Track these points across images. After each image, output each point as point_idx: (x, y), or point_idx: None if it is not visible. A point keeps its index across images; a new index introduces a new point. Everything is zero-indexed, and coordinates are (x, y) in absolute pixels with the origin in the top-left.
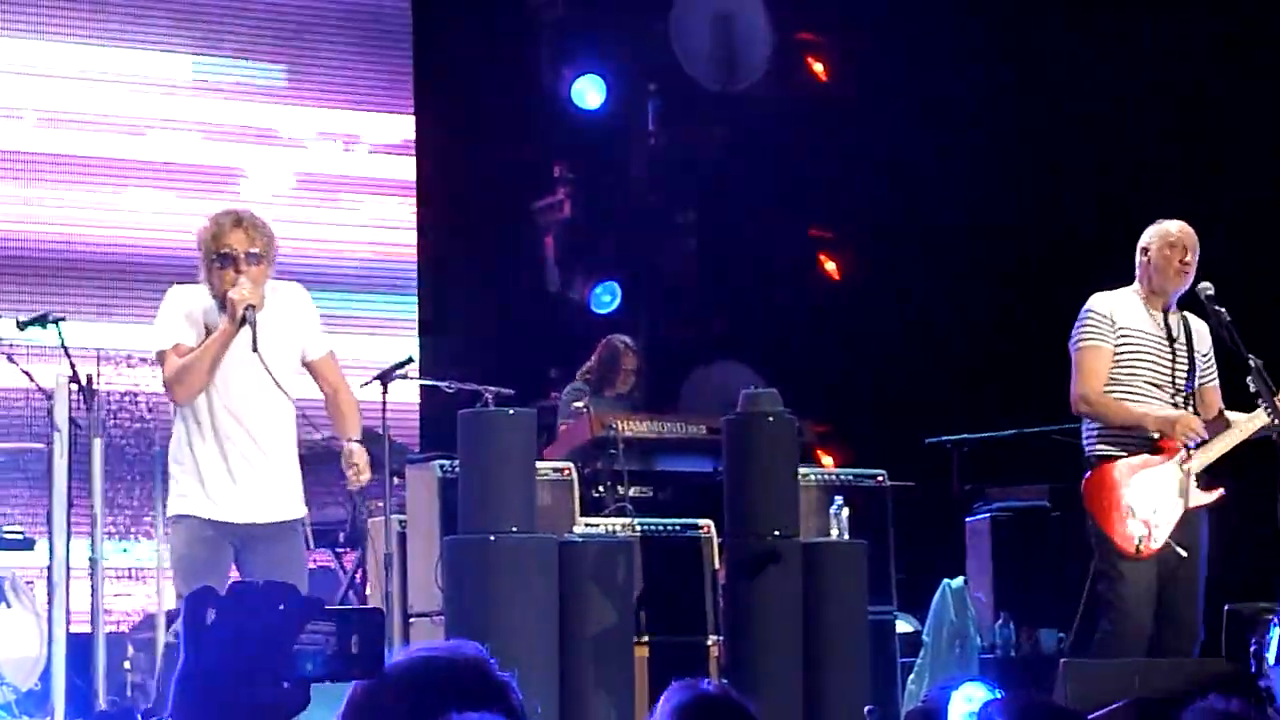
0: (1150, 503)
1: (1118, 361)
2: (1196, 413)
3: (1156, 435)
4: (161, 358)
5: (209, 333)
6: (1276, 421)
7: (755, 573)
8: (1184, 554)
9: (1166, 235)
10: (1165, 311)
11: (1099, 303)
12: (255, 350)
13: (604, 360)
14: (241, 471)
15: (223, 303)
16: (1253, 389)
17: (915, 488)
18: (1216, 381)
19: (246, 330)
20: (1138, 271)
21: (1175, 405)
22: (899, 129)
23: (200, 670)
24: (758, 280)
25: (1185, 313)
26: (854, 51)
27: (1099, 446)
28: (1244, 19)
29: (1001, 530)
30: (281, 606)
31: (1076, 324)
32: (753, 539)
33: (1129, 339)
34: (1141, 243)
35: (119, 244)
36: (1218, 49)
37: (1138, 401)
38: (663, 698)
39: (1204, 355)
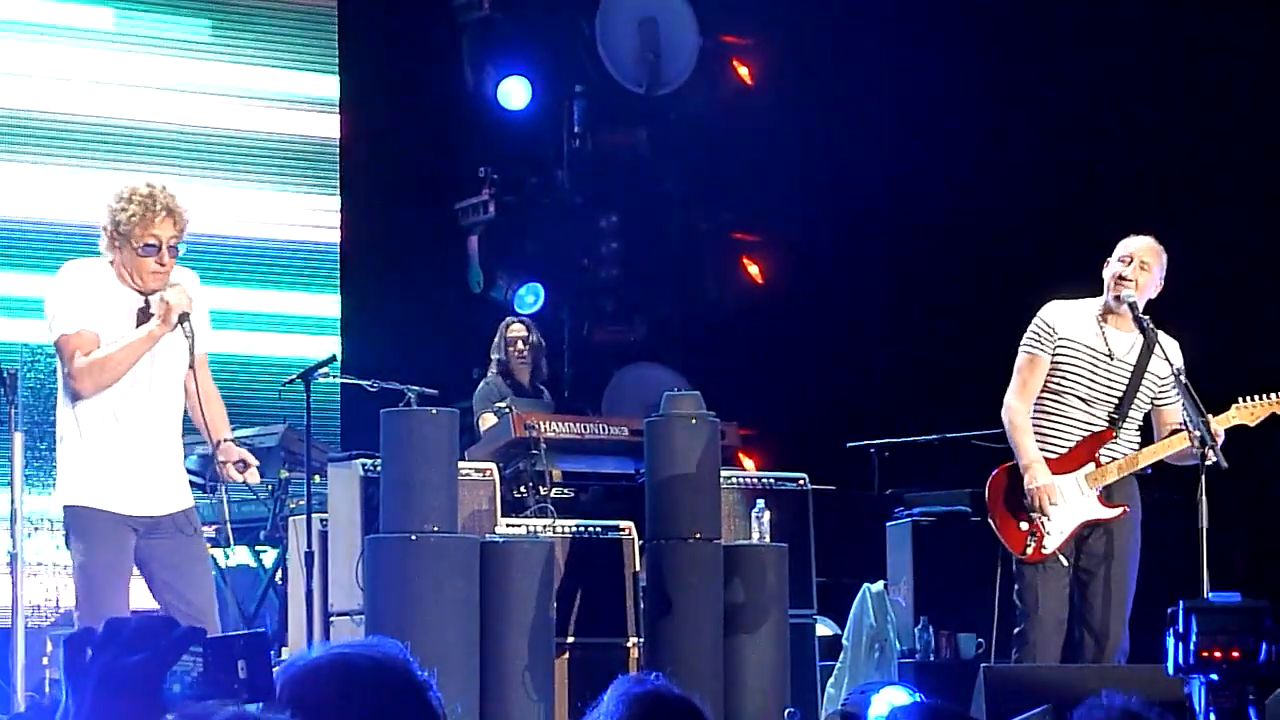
0: (1045, 509)
1: (1053, 371)
2: (1123, 426)
3: (1075, 440)
4: (64, 342)
5: (108, 315)
6: (1197, 434)
7: (676, 575)
8: (1065, 563)
9: (1120, 248)
10: (1138, 325)
11: (1048, 311)
12: (191, 367)
13: (497, 344)
14: (148, 462)
15: (139, 291)
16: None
17: (836, 491)
18: (1178, 405)
19: (178, 338)
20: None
21: (1109, 421)
22: (823, 133)
23: (77, 710)
24: (681, 283)
25: (1152, 329)
26: (779, 55)
27: None
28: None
29: (922, 535)
30: (157, 639)
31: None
32: (674, 541)
33: (1066, 350)
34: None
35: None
36: (1141, 40)
37: (1066, 416)
38: (611, 687)
39: (1161, 377)
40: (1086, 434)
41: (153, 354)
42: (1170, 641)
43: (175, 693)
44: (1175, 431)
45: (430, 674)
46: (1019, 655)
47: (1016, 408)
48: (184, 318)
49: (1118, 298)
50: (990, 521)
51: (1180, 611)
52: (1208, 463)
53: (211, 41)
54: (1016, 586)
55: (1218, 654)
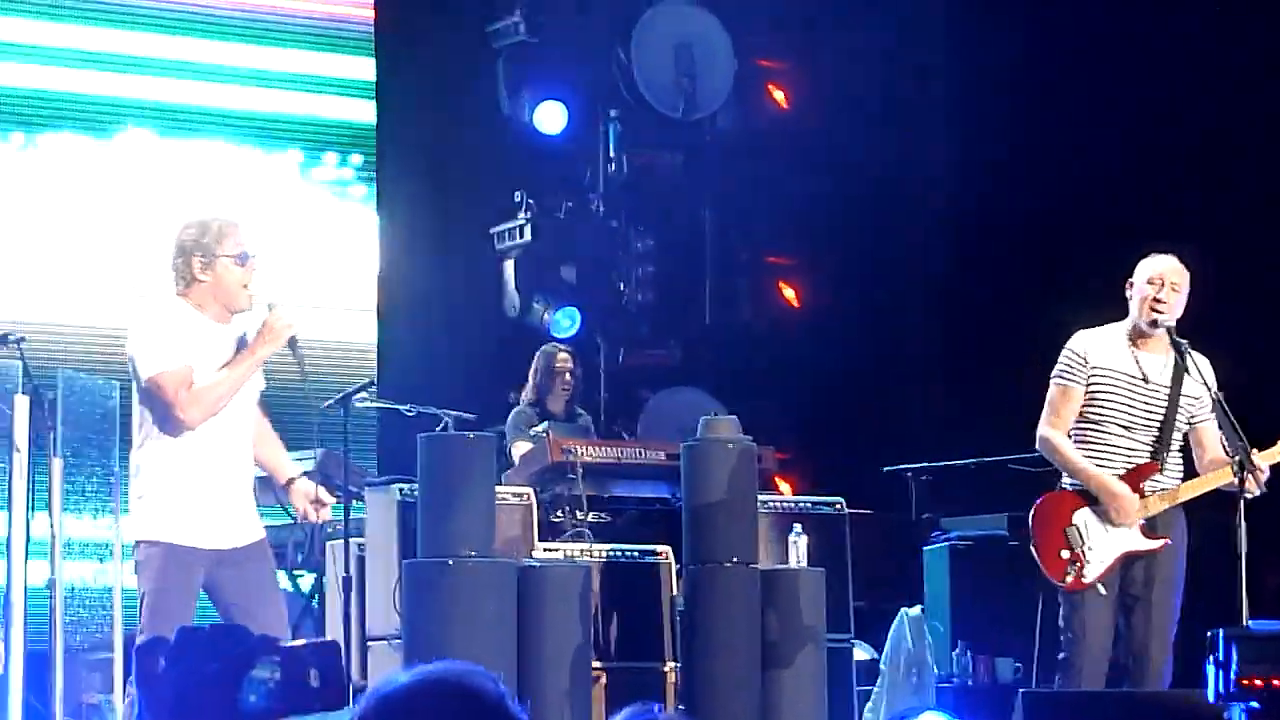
0: (1087, 539)
1: (1090, 401)
2: (1168, 452)
3: (1123, 471)
4: (161, 379)
5: (198, 348)
6: (1238, 459)
7: (713, 599)
8: (1103, 592)
9: (1145, 270)
10: (1175, 348)
11: (1077, 341)
12: (304, 379)
13: (540, 370)
14: (227, 496)
15: (222, 320)
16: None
17: (874, 516)
18: (1212, 422)
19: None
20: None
21: (1150, 447)
22: (859, 157)
23: (165, 714)
24: (717, 306)
25: (1188, 350)
26: (815, 80)
27: (1067, 477)
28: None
29: (959, 559)
30: (231, 648)
31: (1059, 359)
32: (711, 566)
33: (1101, 379)
34: (1132, 278)
35: None
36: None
37: (1108, 444)
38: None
39: (1194, 397)
40: (1130, 462)
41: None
42: (1210, 669)
43: (251, 703)
44: (1215, 461)
45: (525, 707)
46: (1063, 682)
47: (1054, 435)
48: (293, 341)
49: (1154, 323)
50: (1032, 549)
51: (1220, 639)
52: (1247, 494)
53: (246, 65)
54: (1063, 613)
55: (1259, 682)
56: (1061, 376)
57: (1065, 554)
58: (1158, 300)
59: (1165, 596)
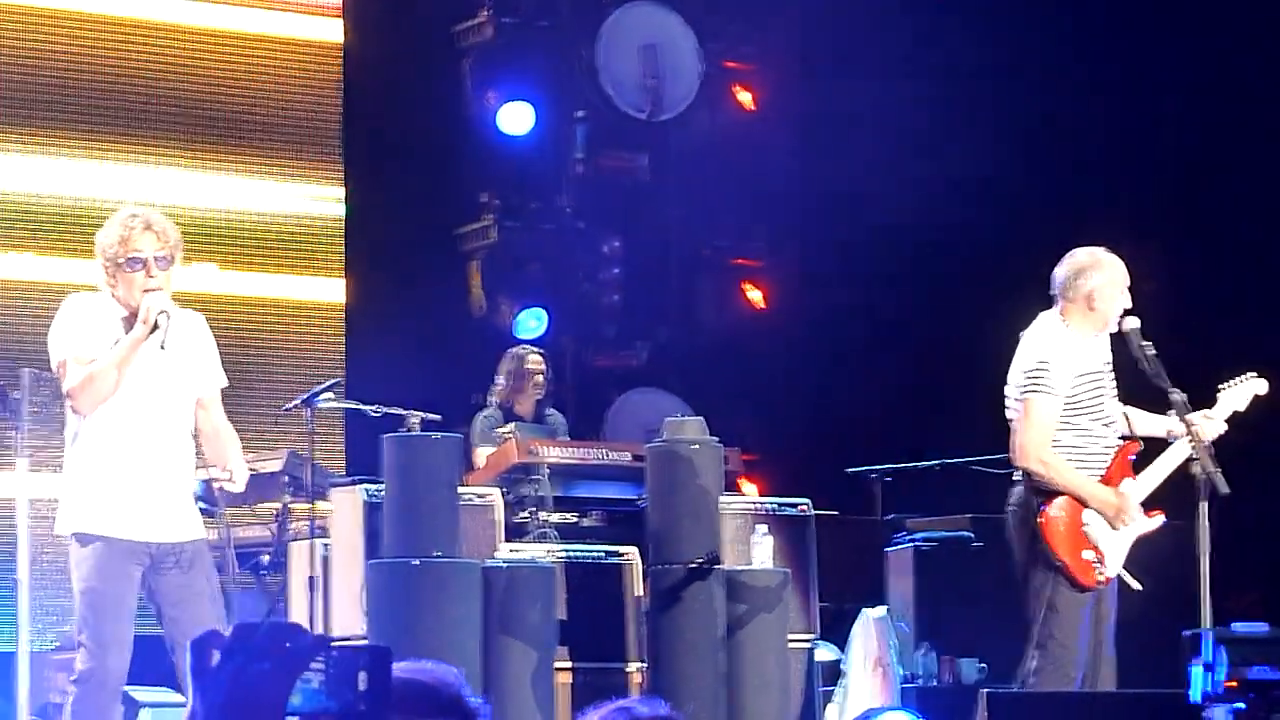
0: (1104, 532)
1: (1076, 406)
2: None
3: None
4: (61, 367)
5: (110, 341)
6: (1197, 455)
7: (678, 600)
8: (1137, 586)
9: (1115, 279)
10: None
11: (1044, 350)
12: (163, 347)
13: (510, 373)
14: (158, 490)
15: (131, 310)
16: (1171, 432)
17: (838, 517)
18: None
19: (180, 364)
20: (1068, 305)
21: (1119, 429)
22: (824, 158)
23: (205, 715)
24: (683, 308)
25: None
26: (780, 81)
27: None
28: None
29: (924, 560)
30: (285, 646)
31: (1025, 372)
32: (676, 567)
33: (1082, 384)
34: (1082, 278)
35: None
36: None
37: (1104, 444)
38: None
39: (1108, 363)
40: (1114, 449)
41: (153, 379)
42: (1197, 670)
43: (296, 704)
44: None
45: (483, 701)
46: (1044, 682)
47: (1048, 457)
48: (163, 315)
49: (1136, 329)
50: (1059, 563)
51: (1208, 641)
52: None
53: (210, 58)
54: (1045, 617)
55: (1240, 682)
56: (1039, 389)
57: (1089, 554)
58: (1127, 305)
59: (1113, 593)
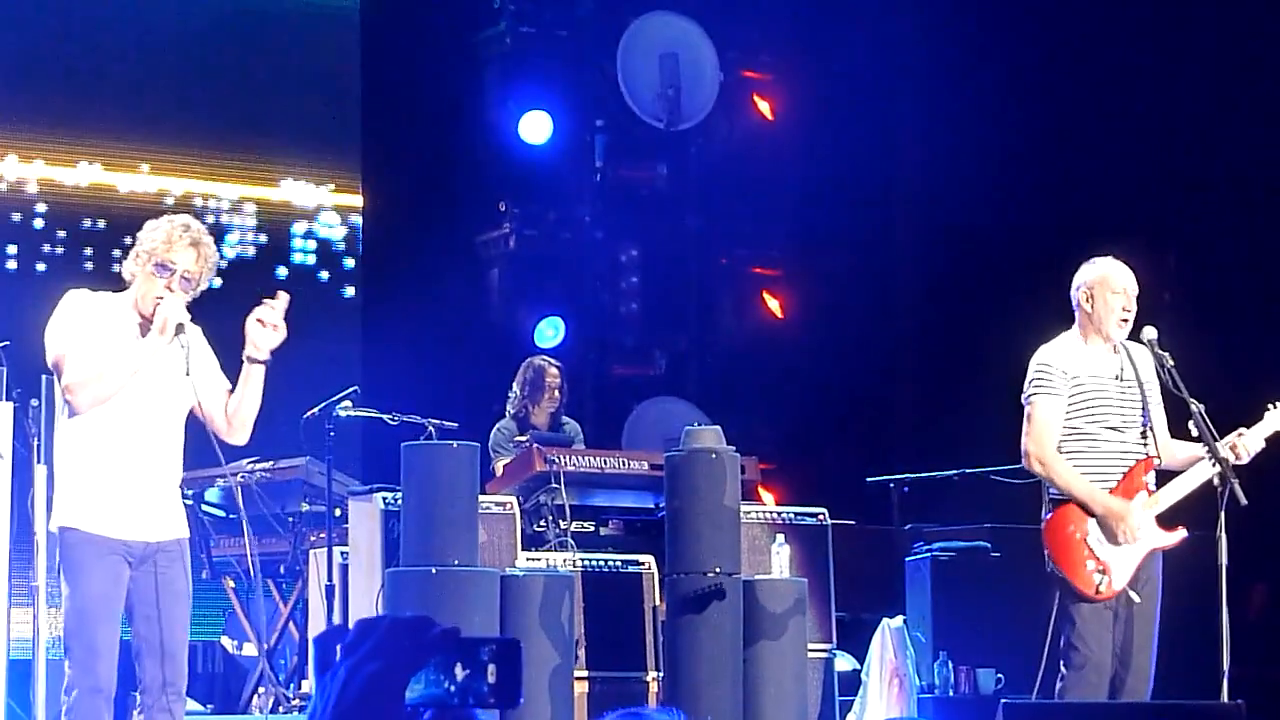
0: (1110, 544)
1: (1078, 412)
2: (1158, 444)
3: (1119, 472)
4: (59, 361)
5: (109, 337)
6: (1218, 467)
7: (696, 609)
8: (1136, 599)
9: (1108, 281)
10: (1154, 351)
11: (1047, 354)
12: (189, 374)
13: (528, 381)
14: (139, 488)
15: (139, 312)
16: (1194, 434)
17: (856, 526)
18: (1159, 404)
19: (175, 349)
20: (1078, 315)
21: (1141, 444)
22: (843, 168)
23: (329, 711)
24: (701, 317)
25: (1125, 342)
26: (799, 90)
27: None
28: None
29: (941, 570)
30: (411, 640)
31: (1028, 378)
32: (694, 576)
33: (1082, 387)
34: (1081, 284)
35: None
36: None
37: (1105, 452)
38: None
39: (1149, 383)
40: (1128, 462)
41: (151, 379)
42: None
43: (426, 694)
44: (1184, 452)
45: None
46: (1068, 695)
47: (1049, 458)
48: (180, 329)
49: (1154, 340)
50: (1057, 570)
51: None
52: (1217, 468)
53: (232, 65)
54: (1065, 627)
55: None
56: (1040, 390)
57: (1092, 564)
58: (1125, 309)
59: (1152, 607)
